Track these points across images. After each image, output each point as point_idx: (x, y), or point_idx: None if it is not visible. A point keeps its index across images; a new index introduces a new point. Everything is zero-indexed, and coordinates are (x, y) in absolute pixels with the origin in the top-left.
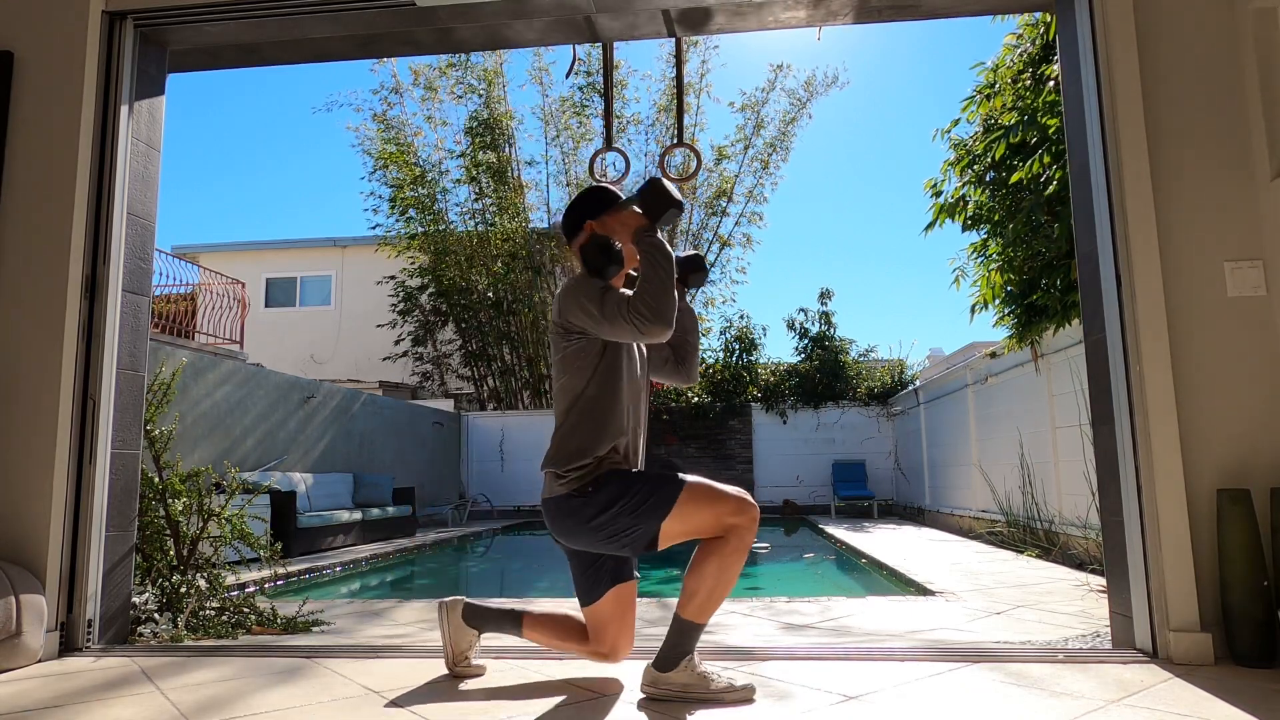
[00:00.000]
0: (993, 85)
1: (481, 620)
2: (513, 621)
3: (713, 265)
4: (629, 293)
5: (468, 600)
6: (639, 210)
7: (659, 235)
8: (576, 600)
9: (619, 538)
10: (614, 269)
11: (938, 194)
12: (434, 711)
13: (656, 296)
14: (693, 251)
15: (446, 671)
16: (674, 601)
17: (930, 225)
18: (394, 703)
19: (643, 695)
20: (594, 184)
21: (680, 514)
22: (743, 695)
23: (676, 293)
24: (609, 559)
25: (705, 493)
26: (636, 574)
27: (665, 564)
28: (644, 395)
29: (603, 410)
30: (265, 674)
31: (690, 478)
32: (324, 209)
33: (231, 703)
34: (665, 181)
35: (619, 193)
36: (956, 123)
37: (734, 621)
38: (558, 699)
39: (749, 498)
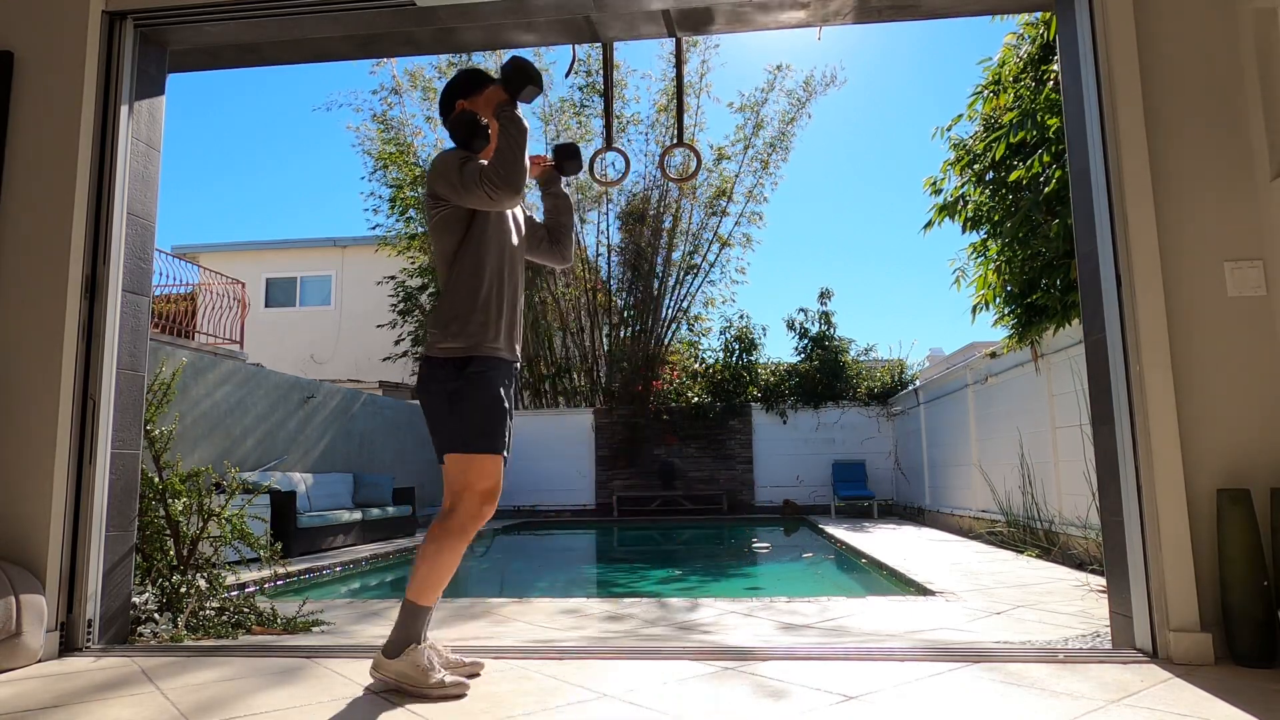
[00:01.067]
0: (997, 81)
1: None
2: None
3: (713, 265)
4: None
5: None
6: (501, 86)
7: (517, 111)
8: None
9: (433, 422)
10: (479, 143)
11: (937, 192)
12: (434, 711)
13: (507, 165)
14: (570, 143)
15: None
16: (674, 601)
17: (929, 224)
18: (394, 703)
19: (370, 681)
20: (469, 67)
21: (467, 460)
22: (453, 691)
23: (551, 178)
24: None
25: (489, 470)
26: (504, 452)
27: (665, 564)
28: (519, 268)
29: (473, 273)
30: (265, 674)
31: (497, 454)
32: (324, 209)
33: (231, 703)
34: (526, 61)
35: (489, 74)
36: (958, 119)
37: (733, 622)
38: (557, 698)
39: (487, 514)
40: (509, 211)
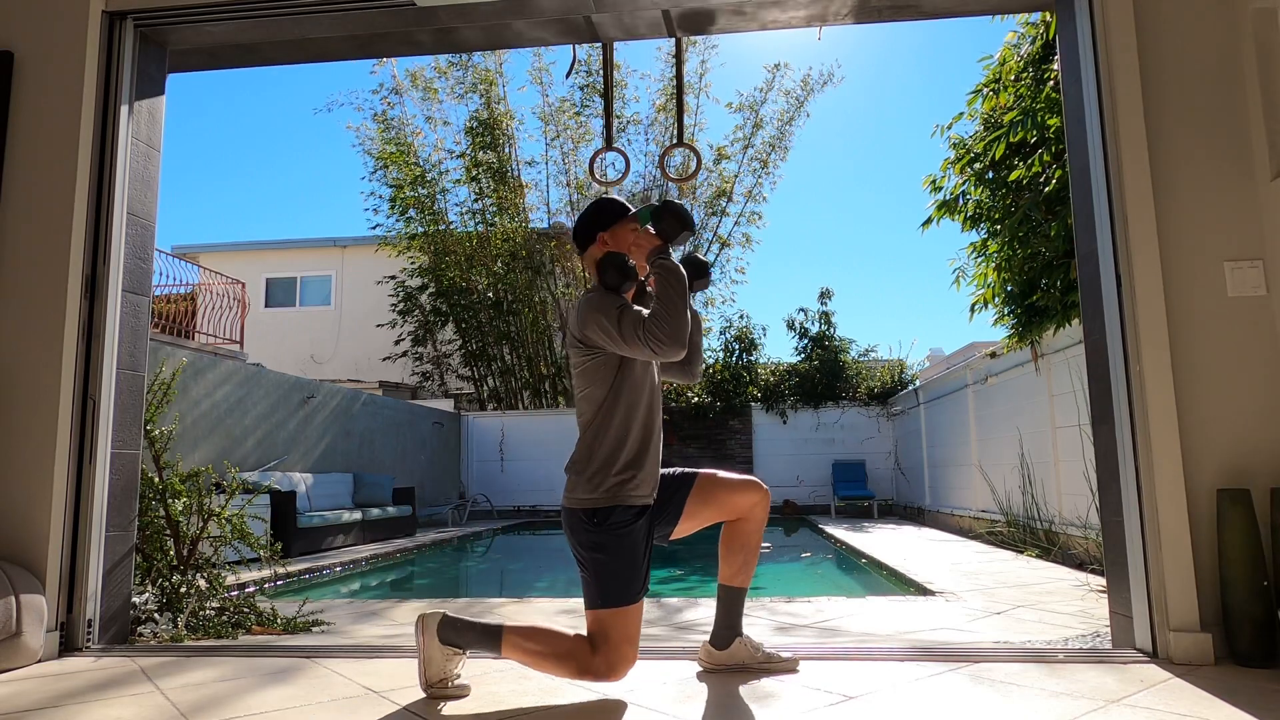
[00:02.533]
0: (997, 80)
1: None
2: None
3: (713, 265)
4: (644, 311)
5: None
6: (653, 231)
7: (672, 258)
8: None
9: (583, 573)
10: (629, 284)
11: (937, 189)
12: (433, 711)
13: (671, 319)
14: (698, 258)
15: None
16: (672, 602)
17: (928, 222)
18: (393, 702)
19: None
20: (604, 195)
21: (601, 615)
22: (451, 693)
23: None
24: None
25: (620, 628)
26: (642, 595)
27: (666, 564)
28: (659, 397)
29: (623, 422)
30: (265, 674)
31: (628, 605)
32: (324, 209)
33: (231, 702)
34: (679, 203)
35: (628, 204)
36: (959, 118)
37: None
38: (557, 698)
39: (618, 674)
40: None
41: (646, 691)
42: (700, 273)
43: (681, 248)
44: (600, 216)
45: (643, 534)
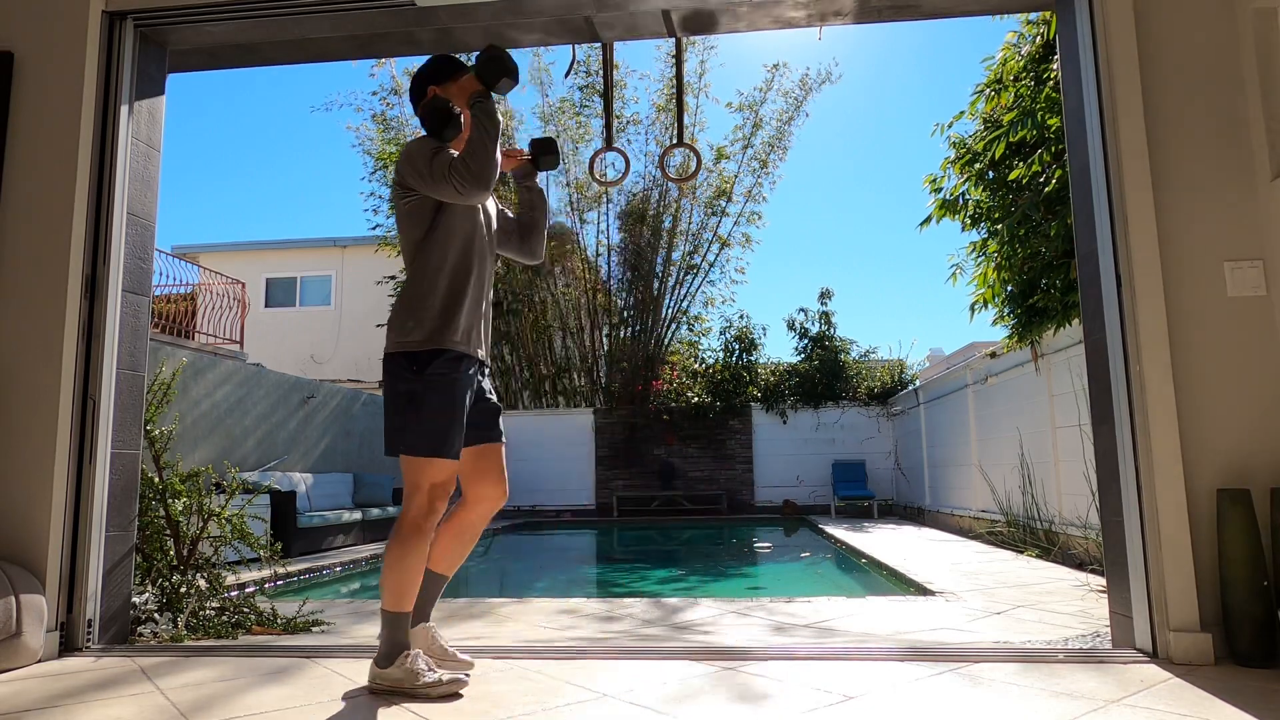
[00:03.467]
0: (999, 80)
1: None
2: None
3: (713, 265)
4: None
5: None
6: (476, 77)
7: (492, 103)
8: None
9: (388, 418)
10: (451, 132)
11: (937, 189)
12: (433, 711)
13: (478, 160)
14: (546, 137)
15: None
16: (671, 601)
17: (927, 220)
18: (393, 702)
19: (367, 688)
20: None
21: (418, 463)
22: (450, 689)
23: (527, 172)
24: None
25: (439, 470)
26: (458, 457)
27: (666, 565)
28: (488, 263)
29: (437, 266)
30: (265, 673)
31: (443, 458)
32: (324, 209)
33: (231, 702)
34: (502, 50)
35: (463, 62)
36: (959, 117)
37: (731, 621)
38: (557, 698)
39: (439, 510)
40: (480, 204)
41: (646, 691)
42: (546, 150)
43: (505, 95)
44: (433, 73)
45: (464, 389)
